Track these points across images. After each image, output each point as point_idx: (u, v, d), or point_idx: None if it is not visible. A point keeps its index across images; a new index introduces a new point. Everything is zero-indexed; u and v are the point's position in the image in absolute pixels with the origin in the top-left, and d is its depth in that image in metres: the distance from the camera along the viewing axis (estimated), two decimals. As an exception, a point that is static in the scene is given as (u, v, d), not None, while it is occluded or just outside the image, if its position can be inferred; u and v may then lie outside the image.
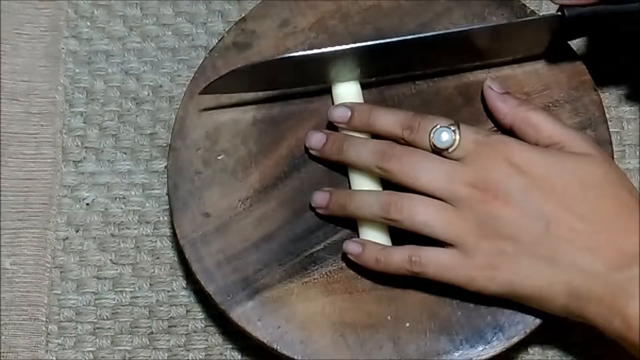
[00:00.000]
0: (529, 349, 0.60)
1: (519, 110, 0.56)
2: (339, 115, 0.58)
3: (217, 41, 0.63)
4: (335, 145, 0.57)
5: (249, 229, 0.58)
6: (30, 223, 0.65)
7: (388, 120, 0.56)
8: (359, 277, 0.57)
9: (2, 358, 0.61)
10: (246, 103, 0.60)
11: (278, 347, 0.55)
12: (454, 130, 0.53)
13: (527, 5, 0.63)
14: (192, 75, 0.62)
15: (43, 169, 0.66)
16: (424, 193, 0.53)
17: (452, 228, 0.52)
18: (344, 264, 0.57)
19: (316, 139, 0.58)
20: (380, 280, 0.57)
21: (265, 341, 0.56)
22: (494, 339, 0.55)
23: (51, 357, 0.62)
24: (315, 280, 0.57)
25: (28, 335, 0.62)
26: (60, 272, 0.64)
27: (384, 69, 0.60)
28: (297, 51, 0.58)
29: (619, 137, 0.65)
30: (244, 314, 0.56)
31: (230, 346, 0.61)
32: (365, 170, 0.56)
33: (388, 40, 0.57)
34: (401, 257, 0.54)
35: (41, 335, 0.62)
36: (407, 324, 0.56)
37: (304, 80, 0.59)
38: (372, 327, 0.56)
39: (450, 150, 0.53)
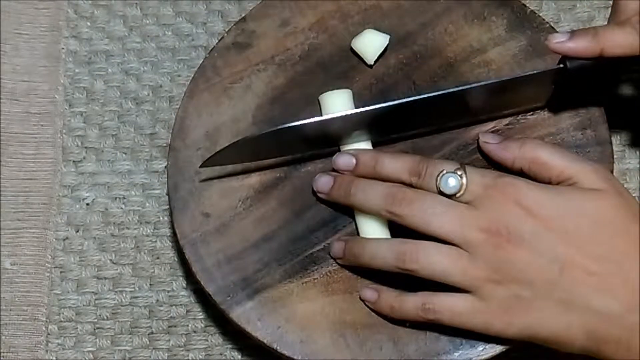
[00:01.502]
0: (529, 349, 0.60)
1: (524, 152, 0.55)
2: (344, 163, 0.57)
3: (217, 41, 0.63)
4: (342, 189, 0.56)
5: (249, 229, 0.58)
6: (30, 223, 0.65)
7: (394, 167, 0.55)
8: (359, 277, 0.57)
9: (2, 358, 0.61)
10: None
11: (278, 347, 0.55)
12: (460, 175, 0.52)
13: (527, 5, 0.63)
14: (192, 75, 0.62)
15: (43, 169, 0.66)
16: (435, 237, 0.53)
17: (467, 275, 0.52)
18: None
19: (323, 183, 0.57)
20: (380, 280, 0.57)
21: (265, 341, 0.56)
22: (494, 338, 0.55)
23: (51, 357, 0.62)
24: (315, 280, 0.57)
25: (28, 335, 0.62)
26: (60, 272, 0.64)
27: (391, 130, 0.59)
28: (301, 119, 0.56)
29: (619, 137, 0.65)
30: (244, 314, 0.56)
31: (230, 346, 0.61)
32: (375, 214, 0.55)
33: (396, 102, 0.56)
34: (415, 305, 0.54)
35: (41, 335, 0.62)
36: (407, 324, 0.56)
37: (310, 147, 0.59)
38: (372, 327, 0.56)
39: (458, 195, 0.52)
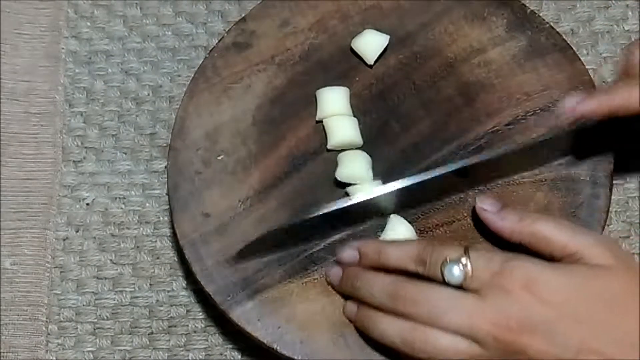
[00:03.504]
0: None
1: (524, 225, 0.53)
2: (348, 258, 0.56)
3: (217, 41, 0.63)
4: (349, 283, 0.55)
5: (249, 229, 0.58)
6: (30, 223, 0.64)
7: (399, 256, 0.53)
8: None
9: (2, 358, 0.61)
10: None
11: (278, 347, 0.55)
12: (464, 264, 0.50)
13: (527, 5, 0.63)
14: (192, 75, 0.62)
15: (43, 169, 0.66)
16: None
17: None
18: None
19: (333, 275, 0.57)
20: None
21: (265, 341, 0.56)
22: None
23: (51, 357, 0.62)
24: (315, 280, 0.57)
25: (28, 335, 0.62)
26: (60, 272, 0.64)
27: (419, 201, 0.59)
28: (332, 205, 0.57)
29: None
30: (244, 314, 0.56)
31: (230, 346, 0.61)
32: (382, 311, 0.53)
33: (428, 177, 0.56)
34: None
35: (41, 335, 0.62)
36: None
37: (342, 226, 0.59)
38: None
39: (464, 285, 0.50)
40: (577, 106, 0.54)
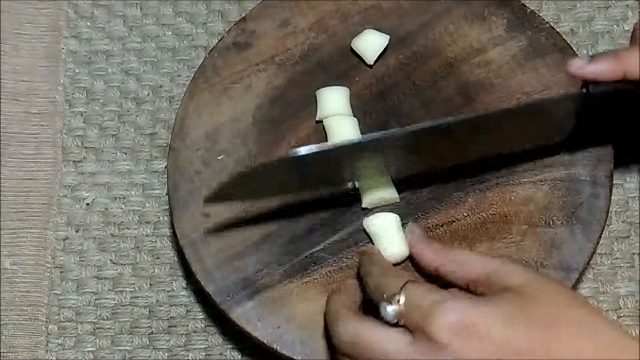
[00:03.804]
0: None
1: (442, 255, 0.53)
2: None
3: (217, 41, 0.63)
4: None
5: (249, 229, 0.58)
6: (30, 223, 0.65)
7: (368, 287, 0.52)
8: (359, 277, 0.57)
9: (2, 358, 0.61)
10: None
11: (278, 347, 0.55)
12: (399, 302, 0.48)
13: (527, 5, 0.63)
14: (192, 75, 0.62)
15: (43, 169, 0.66)
16: None
17: None
18: (344, 264, 0.57)
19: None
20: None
21: (265, 341, 0.56)
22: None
23: (51, 357, 0.62)
24: (315, 280, 0.57)
25: (28, 335, 0.62)
26: (60, 272, 0.64)
27: (415, 161, 0.56)
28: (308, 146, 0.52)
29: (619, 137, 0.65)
30: (244, 314, 0.56)
31: (230, 346, 0.61)
32: None
33: (409, 129, 0.53)
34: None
35: (41, 335, 0.62)
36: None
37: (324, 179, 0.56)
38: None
39: (400, 323, 0.48)
40: (585, 66, 0.53)
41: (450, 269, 0.52)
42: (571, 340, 0.46)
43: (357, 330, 0.49)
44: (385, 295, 0.49)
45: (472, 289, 0.50)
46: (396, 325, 0.48)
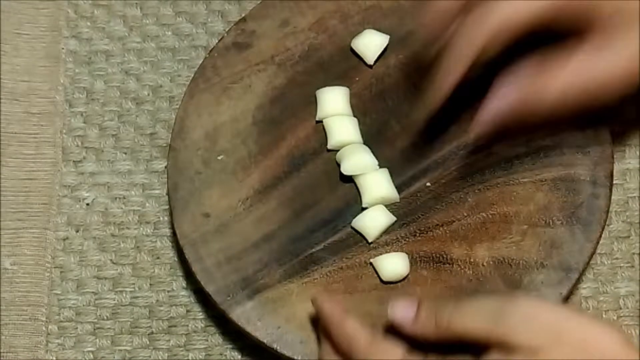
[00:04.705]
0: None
1: (441, 331, 0.48)
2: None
3: (217, 41, 0.63)
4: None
5: (249, 229, 0.58)
6: (30, 223, 0.64)
7: None
8: (359, 277, 0.57)
9: (2, 358, 0.61)
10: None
11: (278, 347, 0.55)
12: None
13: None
14: (192, 75, 0.62)
15: (43, 169, 0.66)
16: None
17: None
18: (344, 264, 0.57)
19: None
20: (380, 280, 0.57)
21: (265, 341, 0.56)
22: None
23: (51, 357, 0.62)
24: (315, 280, 0.57)
25: (28, 335, 0.62)
26: (60, 272, 0.64)
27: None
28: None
29: (619, 137, 0.65)
30: (244, 314, 0.56)
31: (230, 346, 0.61)
32: None
33: None
34: None
35: (41, 335, 0.62)
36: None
37: None
38: (372, 327, 0.56)
39: None
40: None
41: (459, 341, 0.47)
42: None
43: None
44: None
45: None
46: None
